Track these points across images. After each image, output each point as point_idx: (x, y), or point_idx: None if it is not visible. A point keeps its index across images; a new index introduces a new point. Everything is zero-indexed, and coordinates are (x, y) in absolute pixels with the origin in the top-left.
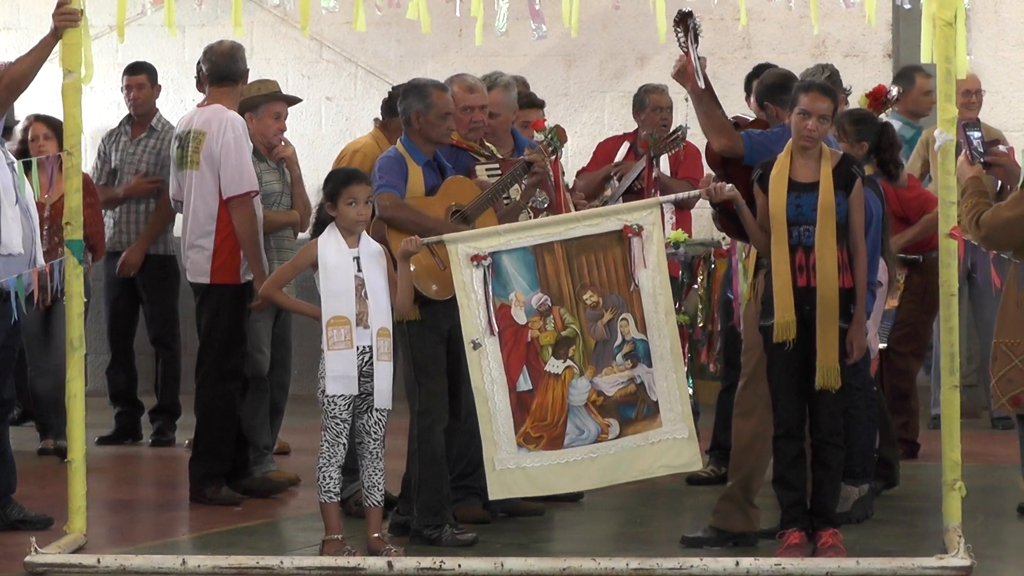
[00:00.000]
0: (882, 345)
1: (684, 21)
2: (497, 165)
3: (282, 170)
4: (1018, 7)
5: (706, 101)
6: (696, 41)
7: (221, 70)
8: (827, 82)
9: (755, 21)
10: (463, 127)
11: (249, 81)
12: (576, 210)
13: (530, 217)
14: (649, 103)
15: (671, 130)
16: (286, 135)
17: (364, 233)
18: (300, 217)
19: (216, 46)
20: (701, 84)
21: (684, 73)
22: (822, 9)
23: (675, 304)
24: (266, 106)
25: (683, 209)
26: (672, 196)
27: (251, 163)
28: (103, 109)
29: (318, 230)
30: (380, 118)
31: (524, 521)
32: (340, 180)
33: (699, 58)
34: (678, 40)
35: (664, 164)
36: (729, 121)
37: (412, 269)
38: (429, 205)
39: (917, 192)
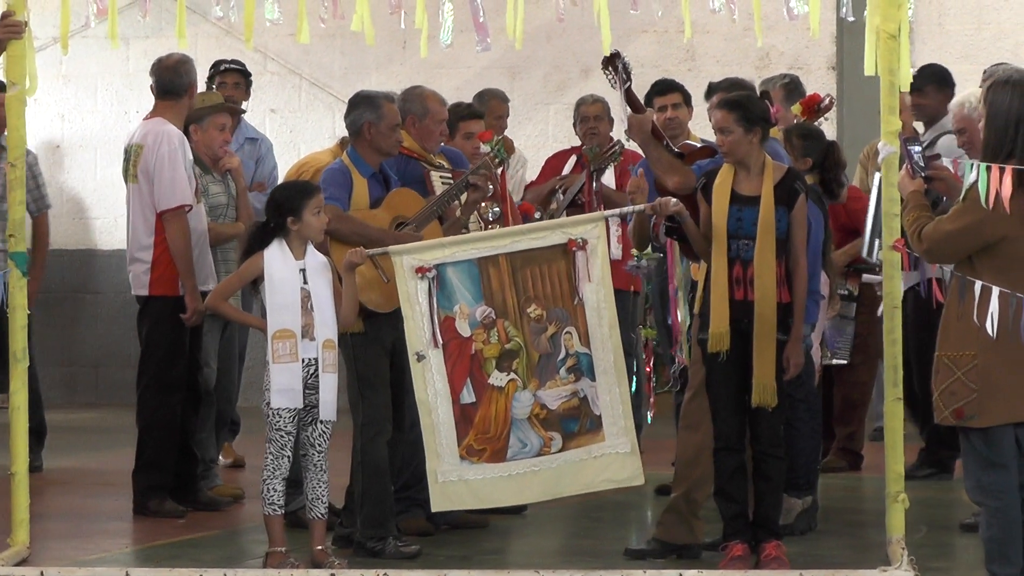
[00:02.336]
0: (842, 361)
1: (612, 62)
2: (449, 173)
3: (227, 182)
4: (961, 20)
5: (652, 145)
6: (629, 79)
7: (164, 83)
8: (778, 91)
9: (699, 33)
10: (434, 140)
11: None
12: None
13: (481, 229)
14: (579, 115)
15: (609, 144)
16: (230, 147)
17: (310, 245)
18: (245, 229)
19: (164, 59)
20: (624, 129)
21: (632, 128)
22: (766, 22)
23: (642, 318)
24: (211, 118)
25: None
26: (617, 210)
27: (185, 177)
28: (47, 121)
29: (254, 245)
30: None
31: (468, 533)
32: (306, 192)
33: (629, 98)
34: (609, 81)
35: (609, 176)
36: (676, 157)
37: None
38: (373, 217)
39: (865, 204)
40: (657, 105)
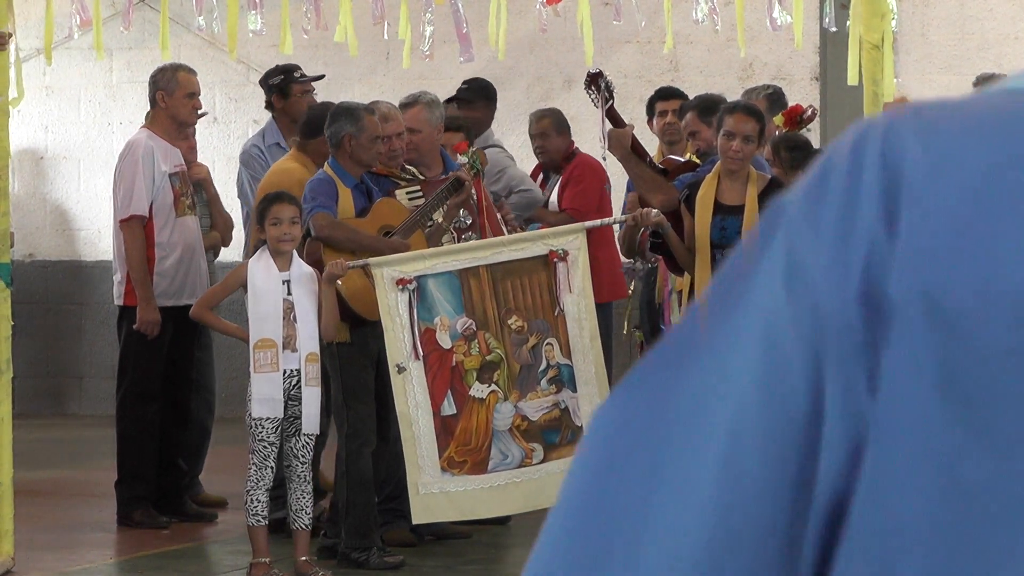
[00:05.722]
0: None
1: (595, 82)
2: (419, 188)
3: (200, 192)
4: (945, 30)
5: (632, 161)
6: (611, 98)
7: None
8: (761, 101)
9: (682, 44)
10: (382, 157)
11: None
12: (507, 227)
13: (454, 237)
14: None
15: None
16: (199, 157)
17: (296, 256)
18: (221, 236)
19: None
20: (604, 146)
21: (612, 142)
22: (749, 32)
23: (637, 321)
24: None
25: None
26: (599, 221)
27: (142, 188)
28: (30, 132)
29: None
30: (298, 139)
31: (452, 544)
32: (266, 201)
33: (611, 116)
34: (591, 100)
35: (552, 196)
36: (658, 172)
37: (346, 291)
38: (361, 227)
39: None
40: (658, 110)
